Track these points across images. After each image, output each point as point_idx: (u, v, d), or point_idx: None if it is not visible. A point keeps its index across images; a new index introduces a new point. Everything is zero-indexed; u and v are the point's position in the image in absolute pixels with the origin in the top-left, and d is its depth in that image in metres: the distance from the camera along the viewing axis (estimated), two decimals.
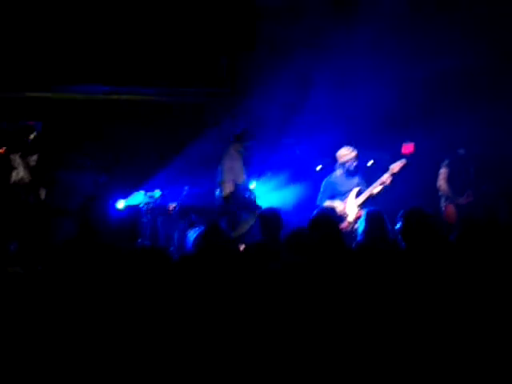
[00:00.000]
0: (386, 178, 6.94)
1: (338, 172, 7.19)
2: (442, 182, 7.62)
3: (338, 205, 7.00)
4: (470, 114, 7.45)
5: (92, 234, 4.10)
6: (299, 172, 8.72)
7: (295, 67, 8.19)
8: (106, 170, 8.48)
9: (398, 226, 4.37)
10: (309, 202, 7.85)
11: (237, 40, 8.26)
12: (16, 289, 3.58)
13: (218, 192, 7.44)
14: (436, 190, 7.73)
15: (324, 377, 3.38)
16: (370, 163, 7.59)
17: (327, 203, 7.08)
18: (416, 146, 7.84)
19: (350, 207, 6.98)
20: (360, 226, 4.93)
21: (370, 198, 6.97)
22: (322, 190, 7.26)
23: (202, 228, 4.87)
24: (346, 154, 7.08)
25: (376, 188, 6.97)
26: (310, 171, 8.60)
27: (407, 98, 7.89)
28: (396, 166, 6.96)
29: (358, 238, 4.95)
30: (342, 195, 7.09)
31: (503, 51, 7.50)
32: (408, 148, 7.80)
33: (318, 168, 8.53)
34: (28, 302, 3.59)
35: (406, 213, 4.36)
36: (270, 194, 8.04)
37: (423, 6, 7.59)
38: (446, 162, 7.63)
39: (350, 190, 7.07)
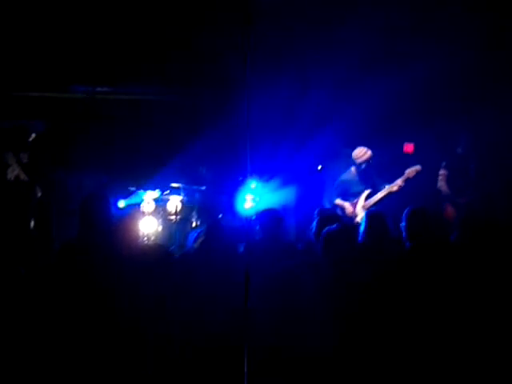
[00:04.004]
0: (401, 181, 7.10)
1: (353, 172, 7.31)
2: (441, 183, 7.62)
3: (347, 206, 7.18)
4: (469, 113, 7.47)
5: (93, 234, 4.09)
6: (298, 172, 8.72)
7: (294, 66, 8.20)
8: (106, 170, 8.49)
9: (402, 225, 4.38)
10: (308, 201, 7.85)
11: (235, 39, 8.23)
12: (16, 289, 3.58)
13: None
14: (437, 190, 7.72)
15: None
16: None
17: (338, 202, 7.24)
18: (417, 146, 7.86)
19: (359, 208, 7.12)
20: (361, 227, 4.93)
21: (382, 199, 7.12)
22: (334, 187, 7.40)
23: (203, 228, 4.87)
24: (361, 154, 7.21)
25: (391, 190, 7.11)
26: (310, 171, 8.59)
27: (407, 98, 7.89)
28: (412, 171, 7.11)
29: (359, 238, 4.95)
30: (354, 196, 7.25)
31: (500, 52, 7.51)
32: (408, 148, 7.85)
33: (319, 168, 8.54)
34: (28, 301, 3.59)
35: (410, 212, 4.37)
36: (269, 194, 8.03)
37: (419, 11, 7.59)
38: (445, 163, 7.63)
39: (362, 191, 7.21)
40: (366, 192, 7.19)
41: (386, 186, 7.17)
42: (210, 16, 8.01)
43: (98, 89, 9.03)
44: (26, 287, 3.73)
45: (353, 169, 7.32)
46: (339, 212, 7.15)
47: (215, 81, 8.92)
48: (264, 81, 8.00)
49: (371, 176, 7.27)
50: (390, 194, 7.13)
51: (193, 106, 9.20)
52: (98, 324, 3.49)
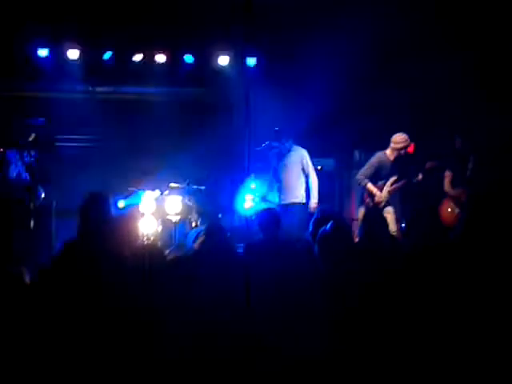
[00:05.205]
0: (421, 173, 7.30)
1: (387, 155, 7.38)
2: (446, 184, 7.60)
3: (377, 194, 7.22)
4: (471, 114, 7.50)
5: (93, 234, 4.09)
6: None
7: (295, 66, 8.22)
8: (106, 170, 8.50)
9: (402, 225, 4.39)
10: (308, 201, 7.86)
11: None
12: (18, 289, 3.59)
13: None
14: (437, 189, 7.72)
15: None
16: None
17: (369, 186, 7.29)
18: (418, 146, 7.88)
19: (385, 193, 7.25)
20: (359, 226, 4.94)
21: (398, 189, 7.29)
22: (365, 168, 7.44)
23: (203, 228, 4.88)
24: (402, 139, 7.30)
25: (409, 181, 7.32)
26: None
27: (407, 98, 7.92)
28: (430, 165, 7.39)
29: (358, 236, 4.97)
30: (382, 179, 7.33)
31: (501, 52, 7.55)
32: (409, 148, 7.86)
33: (319, 168, 8.57)
34: (28, 301, 3.59)
35: (409, 213, 4.38)
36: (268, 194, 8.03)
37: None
38: (448, 164, 7.65)
39: (391, 175, 7.30)
40: (394, 177, 7.29)
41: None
42: (210, 15, 8.03)
43: (98, 89, 9.05)
44: (26, 287, 3.74)
45: (388, 152, 7.38)
46: (366, 195, 7.33)
47: (216, 80, 8.94)
48: (268, 78, 8.08)
49: (405, 163, 7.36)
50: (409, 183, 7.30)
51: (193, 106, 9.22)
52: (97, 324, 3.50)
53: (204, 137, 8.57)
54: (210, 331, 3.52)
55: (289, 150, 7.70)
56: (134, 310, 3.54)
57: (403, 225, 4.38)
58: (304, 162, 7.67)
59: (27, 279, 3.86)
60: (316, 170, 8.24)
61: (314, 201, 7.56)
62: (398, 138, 7.32)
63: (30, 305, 3.54)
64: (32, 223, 7.03)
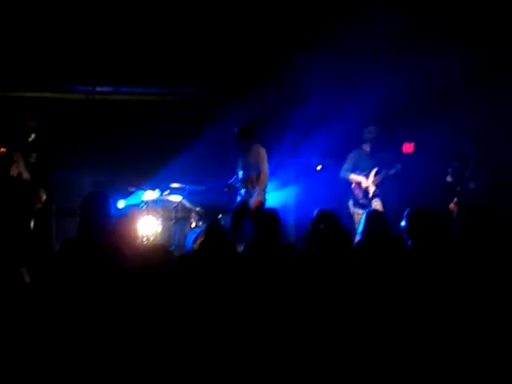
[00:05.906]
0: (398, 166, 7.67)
1: (363, 148, 7.79)
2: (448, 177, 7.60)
3: (363, 180, 7.67)
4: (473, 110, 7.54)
5: (93, 234, 4.09)
6: (299, 172, 8.74)
7: (296, 66, 8.22)
8: (106, 170, 8.50)
9: (403, 225, 4.38)
10: (308, 201, 7.87)
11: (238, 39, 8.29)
12: (18, 289, 3.59)
13: None
14: (441, 188, 7.70)
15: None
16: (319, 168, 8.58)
17: (353, 176, 7.70)
18: (422, 145, 7.91)
19: (370, 183, 7.65)
20: (359, 226, 4.94)
21: (385, 179, 7.69)
22: (348, 157, 7.82)
23: (202, 228, 4.89)
24: (370, 131, 7.71)
25: (390, 172, 7.67)
26: (310, 171, 8.62)
27: (410, 97, 7.93)
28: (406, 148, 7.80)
29: (358, 237, 4.97)
30: (362, 171, 7.70)
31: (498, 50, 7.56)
32: (408, 148, 7.93)
33: (319, 168, 8.57)
34: (28, 301, 3.60)
35: (410, 212, 4.37)
36: (269, 194, 8.02)
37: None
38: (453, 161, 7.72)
39: (370, 167, 7.67)
40: (375, 169, 7.64)
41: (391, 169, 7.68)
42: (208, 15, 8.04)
43: (98, 89, 9.05)
44: (26, 287, 3.74)
45: (363, 146, 7.77)
46: (354, 187, 7.68)
47: (216, 81, 8.94)
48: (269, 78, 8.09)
49: (380, 152, 7.69)
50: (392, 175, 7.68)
51: (193, 106, 9.22)
52: (98, 324, 3.50)
53: (203, 137, 8.57)
54: (210, 331, 3.52)
55: (248, 149, 7.59)
56: (134, 310, 3.54)
57: (403, 224, 4.36)
58: (258, 160, 7.53)
59: (27, 279, 3.87)
60: (316, 170, 8.27)
61: (256, 199, 7.36)
62: (367, 130, 7.74)
63: (29, 305, 3.54)
64: (32, 223, 7.03)
